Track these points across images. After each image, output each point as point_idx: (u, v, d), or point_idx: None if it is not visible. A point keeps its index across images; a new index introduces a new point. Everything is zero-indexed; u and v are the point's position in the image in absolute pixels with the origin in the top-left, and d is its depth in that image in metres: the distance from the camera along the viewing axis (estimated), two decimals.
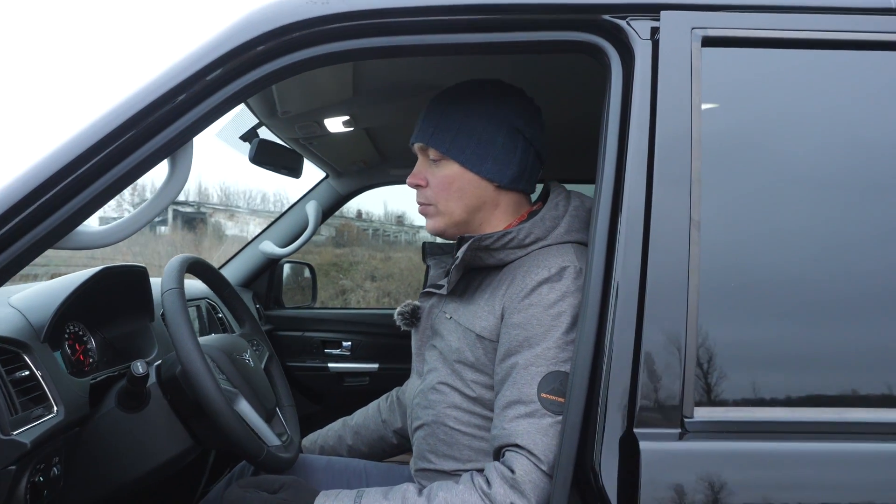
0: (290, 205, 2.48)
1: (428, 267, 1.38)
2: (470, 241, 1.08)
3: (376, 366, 2.48)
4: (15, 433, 0.91)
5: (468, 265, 1.13)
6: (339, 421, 1.50)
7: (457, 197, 1.13)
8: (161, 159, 0.94)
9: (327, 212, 2.46)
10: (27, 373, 1.00)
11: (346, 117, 1.68)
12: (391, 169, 2.37)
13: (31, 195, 0.84)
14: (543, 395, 0.96)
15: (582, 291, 0.94)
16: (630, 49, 0.90)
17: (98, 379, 1.18)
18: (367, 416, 1.48)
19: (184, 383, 1.10)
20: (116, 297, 1.37)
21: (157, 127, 0.91)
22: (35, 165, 0.86)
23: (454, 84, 1.17)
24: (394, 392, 1.51)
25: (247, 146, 1.66)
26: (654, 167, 0.87)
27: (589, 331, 0.89)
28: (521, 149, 1.14)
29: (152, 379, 1.16)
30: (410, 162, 1.20)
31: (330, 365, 2.48)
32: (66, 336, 1.30)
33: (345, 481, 1.34)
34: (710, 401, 0.85)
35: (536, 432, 0.94)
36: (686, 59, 0.89)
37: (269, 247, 2.36)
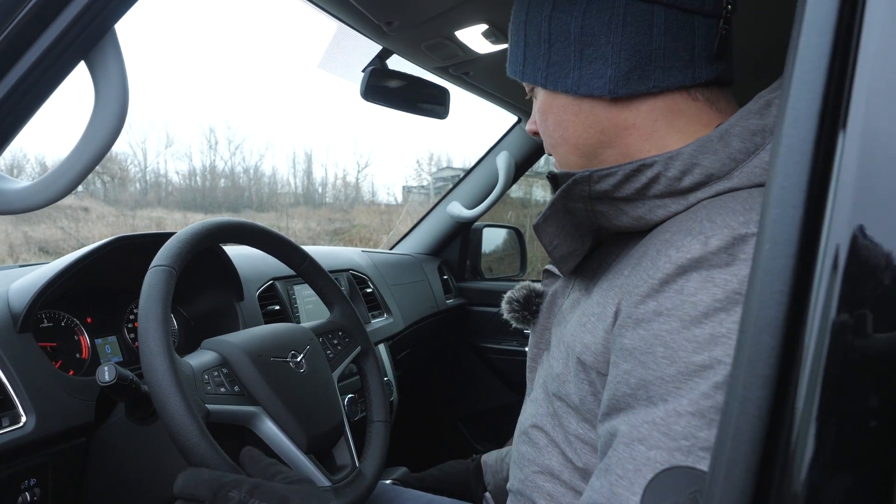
0: (480, 157, 2.08)
1: None
2: (569, 182, 0.60)
3: None
4: None
5: (597, 227, 0.65)
6: None
7: (560, 137, 0.68)
8: (70, 67, 0.64)
9: (522, 164, 2.01)
10: None
11: (485, 26, 1.21)
12: None
13: None
14: None
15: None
16: None
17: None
18: None
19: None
20: (198, 269, 1.14)
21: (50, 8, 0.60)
22: None
23: None
24: None
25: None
26: None
27: (758, 375, 0.35)
28: (622, 21, 0.61)
29: None
30: None
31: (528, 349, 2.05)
32: (134, 316, 1.11)
33: None
34: None
35: None
36: None
37: (457, 209, 2.00)
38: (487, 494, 1.00)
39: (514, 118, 1.95)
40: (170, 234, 1.08)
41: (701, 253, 0.48)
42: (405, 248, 2.15)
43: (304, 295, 1.41)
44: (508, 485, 0.73)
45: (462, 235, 2.18)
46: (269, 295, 1.31)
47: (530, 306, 0.80)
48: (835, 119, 0.34)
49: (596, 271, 0.68)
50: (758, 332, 0.35)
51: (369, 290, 1.67)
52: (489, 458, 1.05)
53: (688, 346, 0.46)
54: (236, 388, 0.84)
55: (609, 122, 0.63)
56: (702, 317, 0.46)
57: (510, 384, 2.13)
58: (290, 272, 1.40)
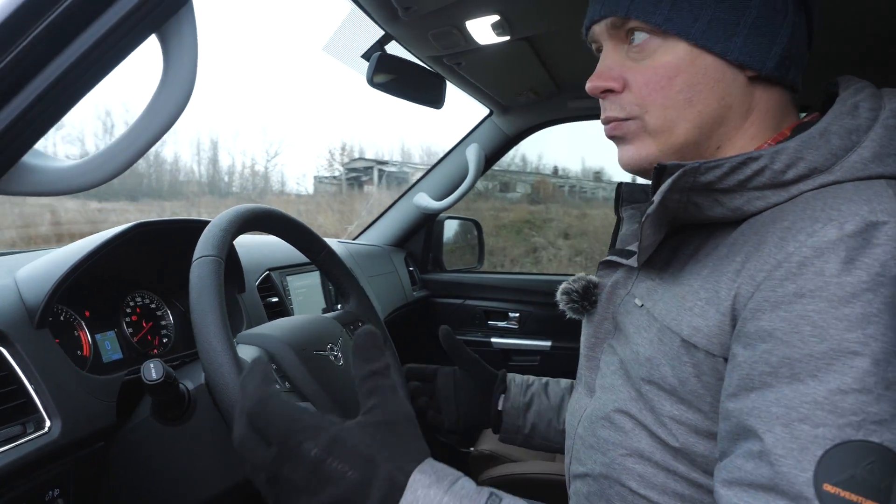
0: (448, 150, 2.08)
1: (619, 220, 0.90)
2: (679, 173, 0.60)
3: (549, 343, 2.03)
4: None
5: (675, 217, 0.64)
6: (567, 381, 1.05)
7: (684, 100, 0.65)
8: (142, 38, 0.58)
9: (492, 157, 2.03)
10: (5, 373, 0.71)
11: (496, 17, 1.21)
12: (569, 100, 1.86)
13: None
14: (829, 487, 0.46)
15: None
16: None
17: (134, 375, 0.88)
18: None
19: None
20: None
21: None
22: None
23: None
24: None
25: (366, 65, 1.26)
26: None
27: None
28: (793, 4, 0.64)
29: (199, 380, 0.84)
30: None
31: (493, 340, 2.08)
32: (130, 310, 1.03)
33: None
34: None
35: None
36: None
37: (424, 200, 2.00)
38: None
39: (486, 110, 1.96)
40: (192, 221, 1.01)
41: (838, 236, 0.51)
42: (370, 238, 2.11)
43: (297, 286, 1.36)
44: (581, 470, 0.74)
45: (426, 227, 2.16)
46: (266, 286, 1.25)
47: (589, 297, 0.81)
48: None
49: (670, 261, 0.69)
50: None
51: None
52: (514, 381, 1.04)
53: (839, 324, 0.48)
54: (286, 384, 0.80)
55: (739, 98, 0.65)
56: (850, 297, 0.49)
57: None
58: (284, 263, 1.35)
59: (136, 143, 0.63)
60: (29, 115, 0.57)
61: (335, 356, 0.89)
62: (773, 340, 0.51)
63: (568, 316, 0.84)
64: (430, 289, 2.15)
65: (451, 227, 2.32)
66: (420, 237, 2.17)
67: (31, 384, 0.72)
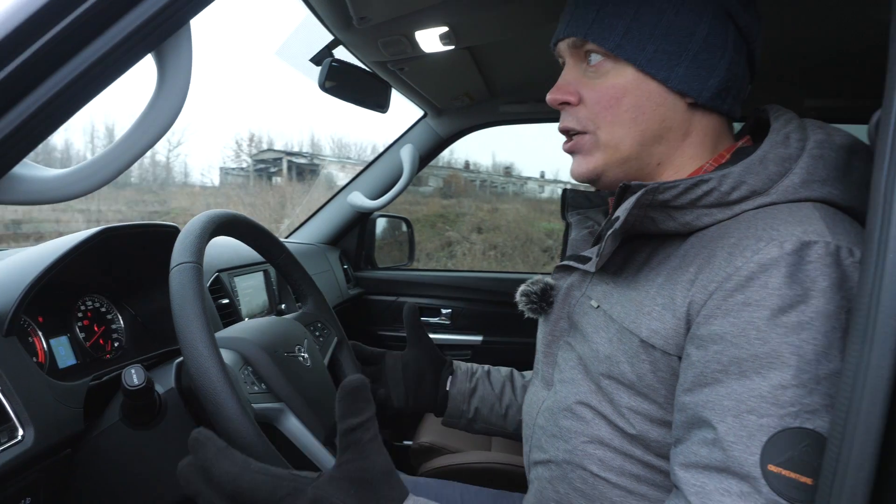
0: (383, 150, 2.11)
1: (568, 226, 0.97)
2: (642, 192, 0.67)
3: (480, 338, 2.12)
4: None
5: (632, 230, 0.71)
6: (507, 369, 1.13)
7: (629, 119, 0.74)
8: (139, 55, 0.59)
9: (425, 157, 2.08)
10: None
11: (444, 28, 1.26)
12: (501, 105, 1.94)
13: None
14: (773, 467, 0.55)
15: (839, 288, 0.57)
16: None
17: (104, 378, 0.87)
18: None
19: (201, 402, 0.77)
20: (147, 264, 1.06)
21: None
22: None
23: None
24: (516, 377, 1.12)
25: (317, 70, 1.28)
26: None
27: (880, 357, 0.46)
28: (732, 46, 0.73)
29: (169, 384, 0.84)
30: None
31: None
32: (81, 314, 1.01)
33: None
34: None
35: None
36: None
37: (359, 199, 2.02)
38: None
39: (420, 112, 2.01)
40: (154, 225, 1.00)
41: (779, 254, 0.60)
42: (304, 237, 2.12)
43: (243, 287, 1.36)
44: (542, 457, 0.81)
45: (360, 225, 2.19)
46: (216, 288, 1.25)
47: (547, 298, 0.88)
48: None
49: (623, 267, 0.78)
50: (882, 319, 0.47)
51: None
52: (460, 369, 1.11)
53: (779, 329, 0.57)
54: (263, 386, 0.82)
55: (679, 121, 0.74)
56: (788, 307, 0.58)
57: None
58: (231, 264, 1.34)
59: (127, 153, 0.64)
60: (24, 128, 0.57)
61: (303, 357, 0.92)
62: (724, 343, 0.60)
63: (526, 315, 0.91)
64: (365, 286, 2.18)
65: (382, 225, 2.35)
66: (353, 235, 2.20)
67: (2, 393, 0.71)
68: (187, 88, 0.64)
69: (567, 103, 0.78)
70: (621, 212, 0.69)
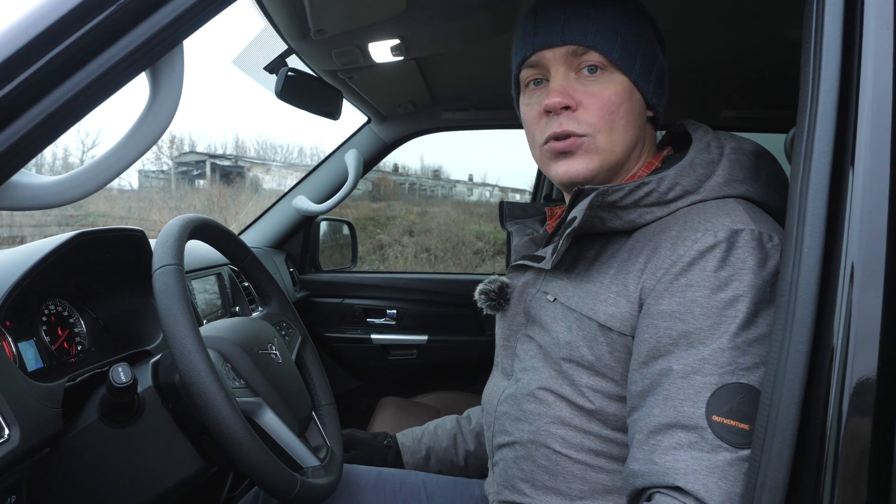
0: (327, 155, 2.15)
1: (509, 235, 1.06)
2: (594, 194, 0.77)
3: (425, 337, 2.18)
4: None
5: (582, 229, 0.80)
6: (452, 417, 1.23)
7: (623, 125, 0.83)
8: (135, 72, 0.64)
9: (369, 162, 2.14)
10: None
11: (396, 41, 1.33)
12: (443, 112, 2.02)
13: None
14: (716, 417, 0.66)
15: (763, 267, 0.69)
16: None
17: (79, 379, 0.89)
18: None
19: (185, 397, 0.81)
20: (109, 268, 1.08)
21: (129, 19, 0.60)
22: None
23: None
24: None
25: (272, 78, 1.32)
26: None
27: (801, 325, 0.57)
28: (659, 67, 0.88)
29: (147, 383, 0.87)
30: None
31: (373, 336, 2.19)
32: (45, 318, 1.01)
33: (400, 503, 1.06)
34: None
35: (708, 472, 0.64)
36: None
37: (304, 203, 2.05)
38: None
39: (364, 118, 2.07)
40: (125, 229, 1.02)
41: (714, 242, 0.71)
42: (249, 240, 2.12)
43: (199, 290, 1.38)
44: (507, 439, 0.89)
45: (304, 229, 2.22)
46: None
47: (504, 295, 0.97)
48: (840, 162, 0.58)
49: (575, 263, 0.87)
50: (802, 292, 0.58)
51: (247, 285, 1.66)
52: (406, 440, 1.20)
53: (718, 304, 0.68)
54: (241, 382, 0.87)
55: (641, 130, 0.87)
56: (724, 285, 0.68)
57: (354, 370, 2.25)
58: (187, 268, 1.36)
59: (120, 161, 0.68)
60: (26, 139, 0.60)
61: (275, 354, 0.96)
62: (673, 319, 0.70)
63: (485, 312, 0.99)
64: (310, 289, 2.21)
65: (326, 228, 2.39)
66: (297, 239, 2.22)
67: None
68: (178, 102, 0.69)
69: (567, 107, 0.82)
70: (577, 213, 0.79)
